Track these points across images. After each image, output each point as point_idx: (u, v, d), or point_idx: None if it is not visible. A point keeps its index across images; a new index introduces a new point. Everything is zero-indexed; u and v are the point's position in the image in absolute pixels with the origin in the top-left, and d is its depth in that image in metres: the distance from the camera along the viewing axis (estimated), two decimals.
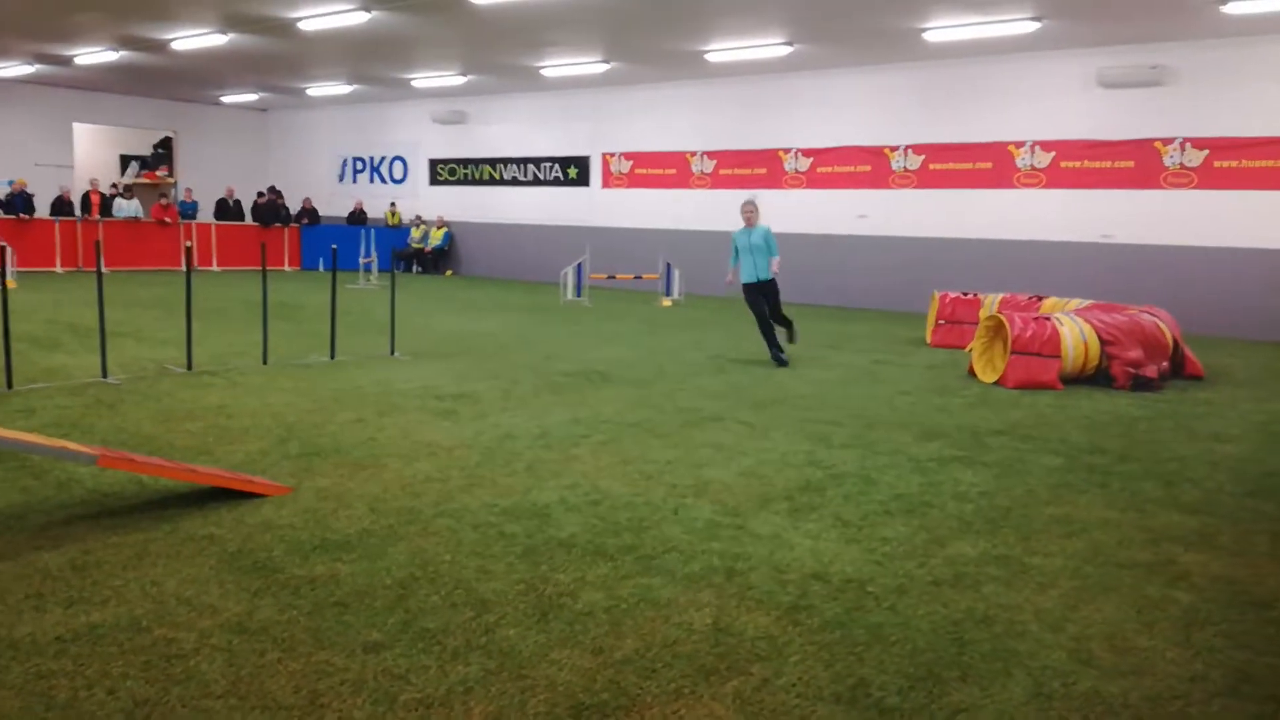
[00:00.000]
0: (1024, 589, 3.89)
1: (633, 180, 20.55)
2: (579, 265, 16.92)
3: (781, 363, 9.79)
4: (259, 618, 3.37)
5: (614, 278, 17.69)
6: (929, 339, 12.32)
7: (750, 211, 9.93)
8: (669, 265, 17.41)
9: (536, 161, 21.97)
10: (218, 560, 3.91)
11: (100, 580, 3.66)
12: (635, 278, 17.78)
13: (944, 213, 16.62)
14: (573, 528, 4.46)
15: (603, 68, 18.18)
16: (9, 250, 12.98)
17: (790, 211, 18.17)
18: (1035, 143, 15.67)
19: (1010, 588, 3.90)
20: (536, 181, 22.02)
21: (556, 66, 18.39)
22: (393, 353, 9.69)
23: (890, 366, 10.15)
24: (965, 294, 12.49)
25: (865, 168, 17.45)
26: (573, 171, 21.38)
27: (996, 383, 9.10)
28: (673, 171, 19.83)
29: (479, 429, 6.48)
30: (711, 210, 19.15)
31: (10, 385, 7.23)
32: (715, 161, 19.25)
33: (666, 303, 16.86)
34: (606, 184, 20.90)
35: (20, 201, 19.75)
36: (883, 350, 11.46)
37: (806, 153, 18.07)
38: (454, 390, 7.87)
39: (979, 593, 3.83)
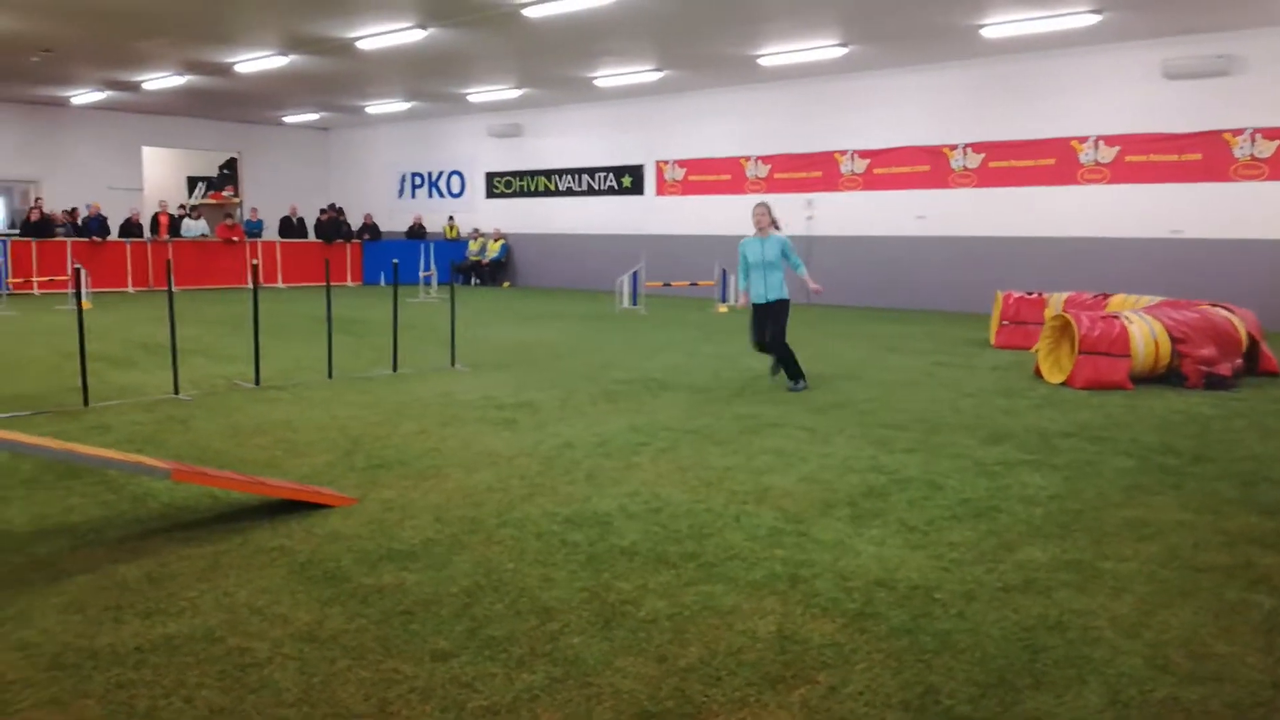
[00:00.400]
0: (1097, 594, 3.79)
1: (686, 187, 20.57)
2: (634, 273, 16.97)
3: (794, 389, 8.45)
4: (329, 627, 3.44)
5: (669, 285, 17.70)
6: (993, 340, 12.10)
7: (762, 214, 8.53)
8: (724, 271, 17.37)
9: (590, 171, 22.11)
10: (288, 571, 3.99)
11: (176, 592, 3.76)
12: (690, 284, 17.79)
13: (1006, 211, 16.34)
14: (634, 535, 4.46)
15: (655, 76, 18.24)
16: (84, 272, 13.44)
17: (847, 214, 18.06)
18: (1099, 138, 15.33)
19: (1083, 593, 3.80)
20: (591, 191, 22.15)
21: (609, 76, 18.50)
22: (453, 364, 9.81)
23: (953, 369, 10.00)
24: (1030, 293, 12.25)
25: (924, 168, 17.23)
26: (626, 180, 21.47)
27: (1064, 383, 8.90)
28: (727, 177, 19.81)
29: (538, 438, 6.52)
30: None
31: (87, 403, 7.47)
32: (770, 166, 19.18)
33: (723, 309, 16.82)
34: (660, 192, 20.95)
35: (95, 224, 20.45)
36: (944, 352, 11.29)
37: (863, 154, 17.91)
38: (513, 400, 7.93)
39: (1050, 598, 3.74)
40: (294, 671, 3.09)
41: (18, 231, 20.36)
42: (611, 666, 3.14)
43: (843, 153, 18.14)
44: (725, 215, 19.76)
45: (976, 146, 16.59)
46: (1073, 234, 15.62)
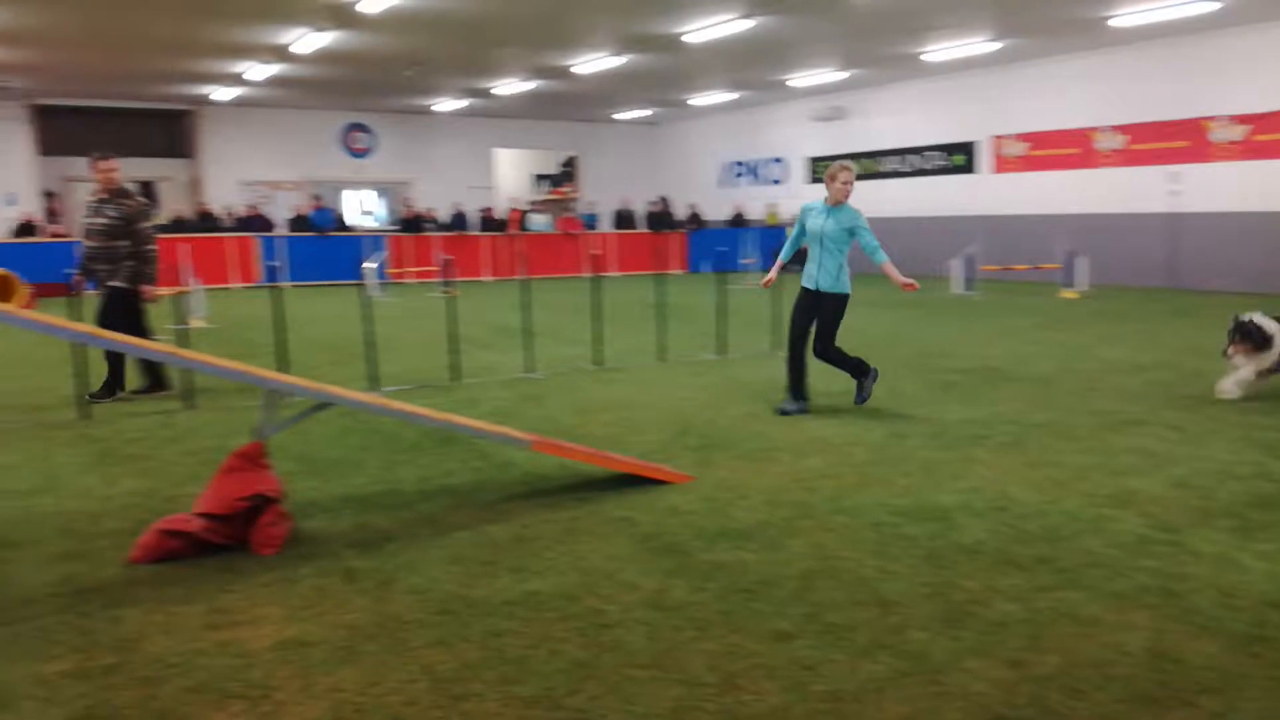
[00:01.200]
0: None
1: (1027, 163, 19.19)
2: (967, 257, 16.12)
3: (785, 411, 6.74)
4: (673, 597, 3.58)
5: (1008, 269, 16.65)
6: None
7: (847, 179, 6.69)
8: (1071, 253, 16.03)
9: (918, 151, 21.28)
10: (633, 540, 4.21)
11: (537, 552, 4.09)
12: (1032, 268, 16.60)
13: None
14: (978, 533, 4.24)
15: (992, 47, 17.17)
16: (449, 262, 15.01)
17: (1220, 187, 16.01)
18: None
19: None
20: (918, 172, 21.32)
21: (940, 50, 17.67)
22: (777, 350, 9.86)
23: None
24: None
25: None
26: (958, 158, 20.42)
27: None
28: (1075, 151, 18.21)
29: (868, 426, 6.39)
30: (1122, 190, 17.37)
31: (458, 379, 8.35)
32: (1127, 136, 17.38)
33: (1070, 295, 15.53)
34: (998, 169, 19.71)
35: (458, 220, 22.82)
36: None
37: (1240, 119, 15.73)
38: (838, 388, 7.82)
39: None
40: (643, 635, 3.26)
41: (396, 227, 23.18)
42: (960, 666, 3.01)
43: (1214, 119, 16.05)
44: (1072, 192, 18.25)
45: None
46: None
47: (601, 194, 26.56)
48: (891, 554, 4.01)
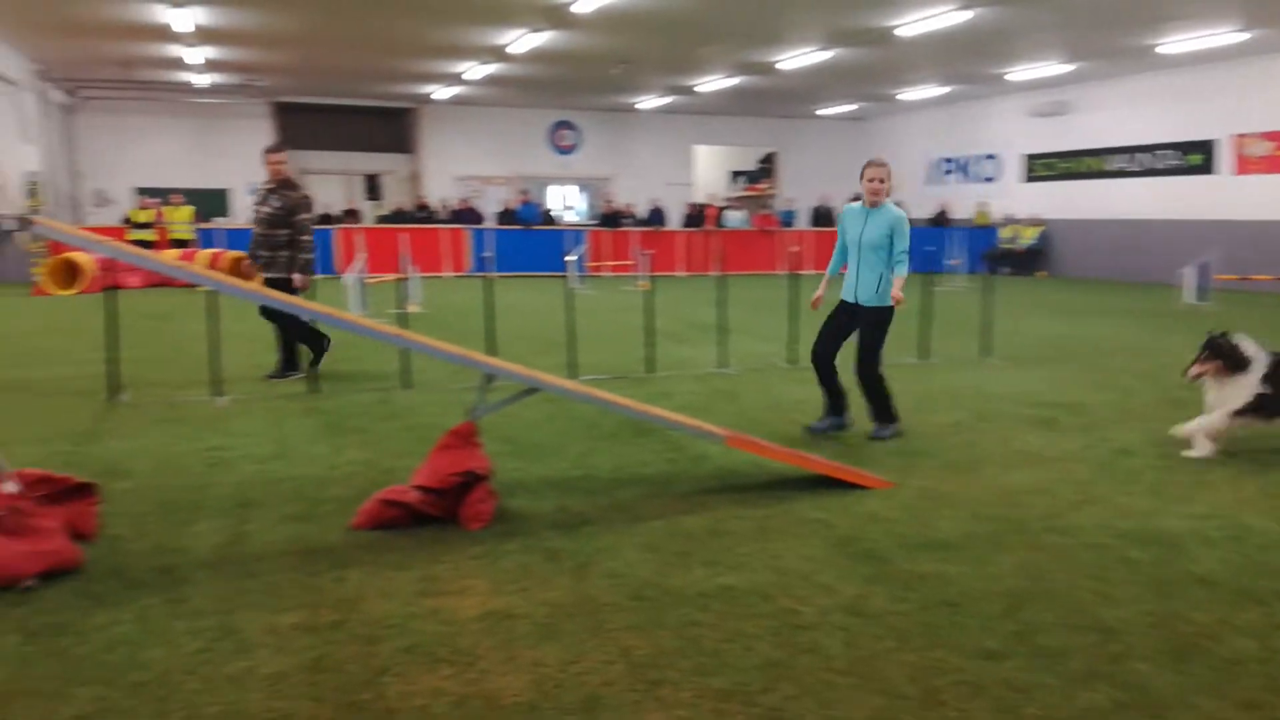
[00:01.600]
0: None
1: (1273, 164, 17.46)
2: (1202, 264, 14.84)
3: (815, 431, 6.14)
4: (872, 604, 3.48)
5: (1246, 278, 15.20)
6: None
7: (879, 179, 5.90)
8: None
9: (1149, 149, 19.76)
10: (828, 543, 4.12)
11: (731, 547, 4.08)
12: (1277, 279, 15.09)
13: None
14: (1210, 563, 3.90)
15: (1238, 38, 15.69)
16: (646, 257, 15.24)
17: None
18: None
19: None
20: (1149, 171, 19.81)
21: (1178, 42, 16.32)
22: (985, 356, 9.42)
23: None
24: None
25: None
26: (1194, 158, 18.82)
27: None
28: None
29: (1087, 442, 6.00)
30: None
31: (651, 371, 8.47)
32: None
33: None
34: (1241, 170, 18.02)
35: (655, 216, 23.16)
36: None
37: None
38: (1054, 399, 7.39)
39: None
40: (840, 641, 3.19)
41: (596, 222, 23.77)
42: (1187, 703, 2.77)
43: None
44: None
45: None
46: None
47: (800, 190, 26.22)
48: (1111, 578, 3.74)
